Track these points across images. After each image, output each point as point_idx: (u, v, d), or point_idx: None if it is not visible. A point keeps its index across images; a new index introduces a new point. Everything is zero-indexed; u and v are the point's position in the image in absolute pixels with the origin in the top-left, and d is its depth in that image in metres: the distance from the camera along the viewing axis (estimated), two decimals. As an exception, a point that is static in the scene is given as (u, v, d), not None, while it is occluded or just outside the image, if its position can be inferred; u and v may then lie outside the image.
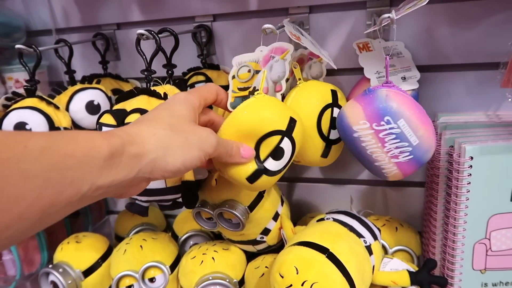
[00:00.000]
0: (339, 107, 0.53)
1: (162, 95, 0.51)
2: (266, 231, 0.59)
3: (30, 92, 0.56)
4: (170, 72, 0.57)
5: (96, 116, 0.60)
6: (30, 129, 0.53)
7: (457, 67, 0.59)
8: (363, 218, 0.56)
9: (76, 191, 0.28)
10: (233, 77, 0.50)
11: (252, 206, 0.56)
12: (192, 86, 0.63)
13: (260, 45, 0.51)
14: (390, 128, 0.46)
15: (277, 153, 0.44)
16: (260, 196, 0.57)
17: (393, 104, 0.46)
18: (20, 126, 0.53)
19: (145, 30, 0.51)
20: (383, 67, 0.57)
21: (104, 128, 0.48)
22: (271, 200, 0.58)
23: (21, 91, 0.72)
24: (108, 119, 0.48)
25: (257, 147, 0.44)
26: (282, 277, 0.46)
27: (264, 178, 0.45)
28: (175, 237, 0.72)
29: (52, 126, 0.54)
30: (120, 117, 0.48)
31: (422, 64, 0.58)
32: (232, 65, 0.66)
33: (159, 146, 0.34)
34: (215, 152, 0.40)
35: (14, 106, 0.55)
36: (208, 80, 0.63)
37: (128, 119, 0.48)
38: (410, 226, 0.64)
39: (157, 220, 0.78)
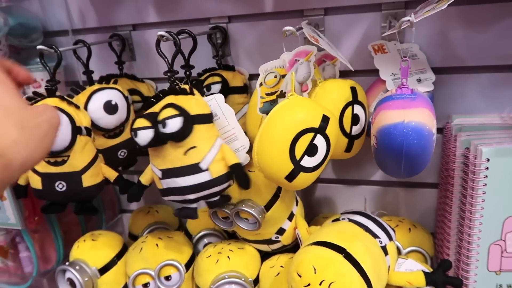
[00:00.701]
0: (360, 103, 0.54)
1: (188, 90, 0.52)
2: (281, 231, 0.60)
3: (51, 92, 0.57)
4: (188, 73, 0.57)
5: (114, 116, 0.61)
6: None
7: (471, 69, 0.59)
8: (378, 218, 0.57)
9: None
10: (261, 84, 0.51)
11: (268, 206, 0.57)
12: (208, 87, 0.63)
13: (281, 50, 0.52)
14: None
15: (311, 150, 0.46)
16: (276, 196, 0.58)
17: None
18: None
19: (165, 31, 0.52)
20: (398, 69, 0.57)
21: (141, 133, 0.49)
22: (286, 200, 0.59)
23: (40, 91, 0.73)
24: (142, 122, 0.49)
25: (292, 146, 0.44)
26: (300, 276, 0.47)
27: (302, 175, 0.46)
28: (188, 236, 0.73)
29: (74, 126, 0.55)
30: (153, 118, 0.49)
31: (436, 66, 0.59)
32: (246, 69, 0.68)
33: (16, 153, 0.28)
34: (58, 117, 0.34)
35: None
36: (224, 81, 0.64)
37: (161, 115, 0.48)
38: (423, 227, 0.65)
39: (170, 219, 0.79)
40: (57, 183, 0.57)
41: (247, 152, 0.56)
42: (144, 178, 0.57)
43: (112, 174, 0.61)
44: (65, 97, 0.58)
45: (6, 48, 0.70)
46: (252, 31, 0.67)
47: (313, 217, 0.71)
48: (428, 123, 0.45)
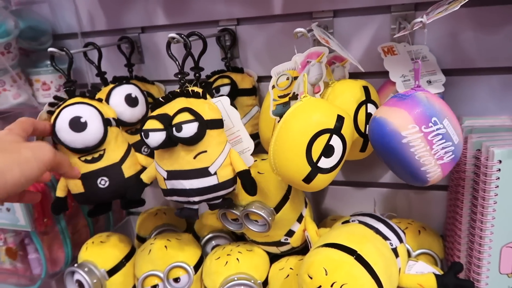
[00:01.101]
0: (373, 102, 0.54)
1: (201, 93, 0.52)
2: (290, 233, 0.60)
3: (71, 93, 0.58)
4: (197, 75, 0.58)
5: (136, 108, 0.61)
6: (85, 122, 0.54)
7: (482, 71, 0.59)
8: (388, 220, 0.56)
9: None
10: (273, 86, 0.52)
11: (278, 208, 0.57)
12: (217, 88, 0.64)
13: (290, 52, 0.52)
14: (437, 129, 0.45)
15: (327, 151, 0.46)
16: (286, 198, 0.57)
17: (436, 105, 0.46)
18: (76, 120, 0.53)
19: (176, 34, 0.52)
20: (408, 70, 0.57)
21: (152, 134, 0.49)
22: (296, 202, 0.59)
23: (48, 93, 0.74)
24: (154, 124, 0.49)
25: (309, 148, 0.45)
26: (311, 278, 0.47)
27: (319, 177, 0.46)
28: (196, 238, 0.73)
29: (103, 118, 0.56)
30: (167, 121, 0.49)
31: (447, 68, 0.59)
32: (255, 71, 0.69)
33: None
34: (55, 160, 0.46)
35: (60, 107, 0.56)
36: (233, 83, 0.64)
37: (177, 119, 0.48)
38: (432, 230, 0.64)
39: (178, 221, 0.79)
40: (99, 180, 0.57)
41: (251, 154, 0.56)
42: (146, 176, 0.57)
43: (149, 162, 0.61)
44: (86, 93, 0.58)
45: (16, 51, 0.71)
46: (261, 34, 0.67)
47: (321, 219, 0.71)
48: (396, 123, 0.44)
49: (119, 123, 0.61)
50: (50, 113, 0.57)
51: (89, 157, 0.56)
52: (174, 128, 0.48)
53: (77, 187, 0.57)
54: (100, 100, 0.59)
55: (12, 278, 0.75)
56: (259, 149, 0.63)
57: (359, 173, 0.70)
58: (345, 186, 0.72)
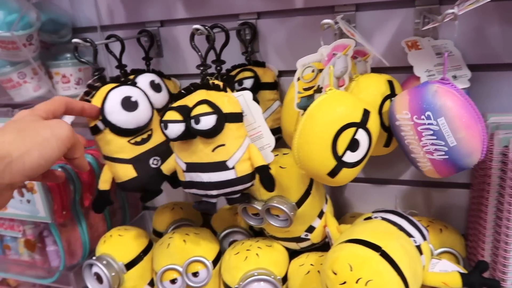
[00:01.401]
0: None
1: (221, 86, 0.51)
2: (311, 229, 0.59)
3: (103, 80, 0.58)
4: (219, 68, 0.57)
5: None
6: (136, 101, 0.55)
7: (508, 66, 0.58)
8: (411, 217, 0.55)
9: None
10: (298, 79, 0.51)
11: (299, 203, 0.56)
12: (240, 81, 0.63)
13: (311, 46, 0.52)
14: (429, 124, 0.46)
15: (353, 145, 0.45)
16: (308, 193, 0.57)
17: (438, 101, 0.46)
18: (127, 100, 0.55)
19: (200, 25, 0.52)
20: (433, 65, 0.56)
21: (172, 126, 0.49)
22: (317, 197, 0.58)
23: (68, 86, 0.74)
24: (174, 115, 0.49)
25: (334, 142, 0.44)
26: (335, 274, 0.46)
27: (344, 171, 0.46)
28: (213, 233, 0.72)
29: (148, 99, 0.57)
30: (186, 112, 0.49)
31: (472, 63, 0.57)
32: (275, 65, 0.68)
33: (11, 150, 0.36)
34: (74, 138, 0.42)
35: (100, 91, 0.56)
36: (256, 76, 0.63)
37: (195, 111, 0.48)
38: (454, 228, 0.63)
39: (195, 216, 0.79)
40: (151, 160, 0.57)
41: (271, 151, 0.55)
42: (166, 168, 0.57)
43: None
44: (120, 79, 0.58)
45: (38, 43, 0.71)
46: (282, 28, 0.67)
47: (340, 216, 0.70)
48: (396, 105, 0.49)
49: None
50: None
51: (138, 139, 0.57)
52: (192, 120, 0.48)
53: (127, 172, 0.56)
54: (134, 83, 0.59)
55: (30, 270, 0.75)
56: (280, 144, 0.63)
57: (378, 170, 0.69)
58: (364, 183, 0.71)
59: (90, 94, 0.56)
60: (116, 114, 0.54)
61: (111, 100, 0.54)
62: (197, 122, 0.48)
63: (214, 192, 0.51)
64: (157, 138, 0.58)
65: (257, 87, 0.63)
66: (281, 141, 0.63)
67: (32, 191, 0.65)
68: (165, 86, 0.64)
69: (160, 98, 0.61)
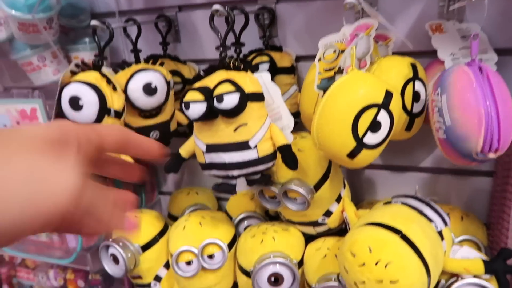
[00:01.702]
0: (421, 80, 0.52)
1: (242, 67, 0.51)
2: (328, 213, 0.59)
3: (96, 67, 0.58)
4: (238, 50, 0.57)
5: (152, 98, 0.61)
6: (82, 106, 0.55)
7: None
8: (432, 203, 0.54)
9: None
10: (319, 59, 0.50)
11: (317, 186, 0.56)
12: (256, 66, 0.63)
13: (330, 31, 0.51)
14: (436, 100, 0.47)
15: (374, 126, 0.44)
16: (326, 176, 0.56)
17: (448, 78, 0.46)
18: (74, 100, 0.55)
19: (220, 6, 0.52)
20: (458, 48, 0.55)
21: (193, 106, 0.49)
22: (335, 181, 0.58)
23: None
24: (195, 95, 0.49)
25: (355, 122, 0.43)
26: (354, 256, 0.46)
27: (364, 152, 0.45)
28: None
29: (104, 106, 0.56)
30: (207, 92, 0.49)
31: (498, 47, 0.56)
32: (293, 50, 0.67)
33: None
34: (77, 208, 0.23)
35: (77, 77, 0.57)
36: (272, 61, 0.63)
37: (218, 90, 0.48)
38: (475, 217, 0.62)
39: (210, 202, 0.79)
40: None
41: (291, 132, 0.55)
42: (184, 150, 0.57)
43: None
44: (107, 75, 0.58)
45: (57, 27, 0.71)
46: (301, 12, 0.66)
47: (357, 203, 0.69)
48: (432, 78, 0.52)
49: (132, 107, 0.62)
50: (73, 73, 0.58)
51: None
52: (215, 99, 0.48)
53: None
54: (114, 88, 0.59)
55: (48, 251, 0.77)
56: (297, 128, 0.62)
57: (397, 157, 0.68)
58: (383, 170, 0.70)
59: (79, 68, 0.58)
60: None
61: (64, 94, 0.56)
62: (220, 101, 0.47)
63: (235, 173, 0.51)
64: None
65: (273, 72, 0.63)
66: (298, 126, 0.62)
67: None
68: (167, 87, 0.63)
69: (149, 102, 0.61)
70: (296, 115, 0.63)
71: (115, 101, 0.59)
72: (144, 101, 0.62)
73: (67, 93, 0.55)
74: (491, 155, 0.43)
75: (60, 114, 0.57)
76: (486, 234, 0.61)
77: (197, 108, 0.49)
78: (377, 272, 0.44)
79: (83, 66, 0.58)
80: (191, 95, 0.49)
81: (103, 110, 0.56)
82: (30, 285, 0.99)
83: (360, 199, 0.71)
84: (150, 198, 0.87)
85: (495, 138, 0.43)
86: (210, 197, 0.79)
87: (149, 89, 0.61)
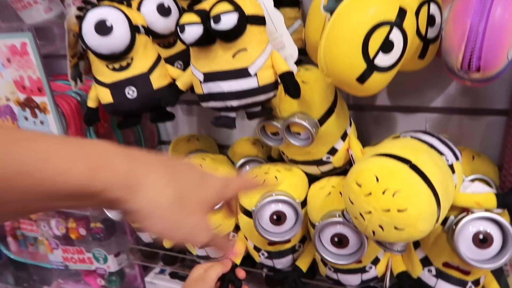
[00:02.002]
0: (436, 3, 0.48)
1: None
2: (333, 151, 0.56)
3: None
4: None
5: (169, 18, 0.57)
6: (111, 26, 0.51)
7: None
8: (442, 137, 0.52)
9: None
10: None
11: (322, 120, 0.53)
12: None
13: None
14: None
15: (386, 46, 0.41)
16: (331, 110, 0.53)
17: None
18: (101, 24, 0.51)
19: None
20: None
21: (189, 28, 0.45)
22: (341, 117, 0.55)
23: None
24: (191, 17, 0.45)
25: (365, 42, 0.40)
26: (360, 186, 0.43)
27: (375, 76, 0.41)
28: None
29: (131, 24, 0.52)
30: (204, 14, 0.45)
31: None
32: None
33: (150, 208, 0.31)
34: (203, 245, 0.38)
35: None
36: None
37: (215, 10, 0.44)
38: (487, 156, 0.59)
39: (211, 149, 0.77)
40: (127, 90, 0.55)
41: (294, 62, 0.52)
42: (181, 82, 0.54)
43: (178, 73, 0.58)
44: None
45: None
46: None
47: (364, 146, 0.67)
48: None
49: (149, 32, 0.57)
50: (79, 18, 0.54)
51: (116, 65, 0.54)
52: (212, 20, 0.44)
53: (106, 96, 0.56)
54: (129, 5, 0.55)
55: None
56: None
57: (406, 97, 0.64)
58: (391, 111, 0.66)
59: (84, 9, 0.53)
60: (89, 35, 0.51)
61: (87, 22, 0.51)
62: (217, 21, 0.44)
63: (234, 103, 0.48)
64: (136, 68, 0.55)
65: (277, 3, 0.59)
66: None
67: (45, 111, 0.64)
68: (178, 9, 0.59)
69: (166, 24, 0.57)
70: (301, 52, 0.59)
71: (137, 17, 0.55)
72: (162, 24, 0.57)
73: (89, 22, 0.51)
74: (475, 74, 0.40)
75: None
76: (498, 174, 0.58)
77: (193, 31, 0.45)
78: (384, 201, 0.41)
79: (87, 6, 0.54)
80: (186, 17, 0.46)
81: (133, 28, 0.53)
82: (34, 237, 0.99)
83: (367, 143, 0.67)
84: (150, 146, 0.85)
85: (475, 55, 0.39)
86: (211, 144, 0.77)
87: (163, 9, 0.57)
